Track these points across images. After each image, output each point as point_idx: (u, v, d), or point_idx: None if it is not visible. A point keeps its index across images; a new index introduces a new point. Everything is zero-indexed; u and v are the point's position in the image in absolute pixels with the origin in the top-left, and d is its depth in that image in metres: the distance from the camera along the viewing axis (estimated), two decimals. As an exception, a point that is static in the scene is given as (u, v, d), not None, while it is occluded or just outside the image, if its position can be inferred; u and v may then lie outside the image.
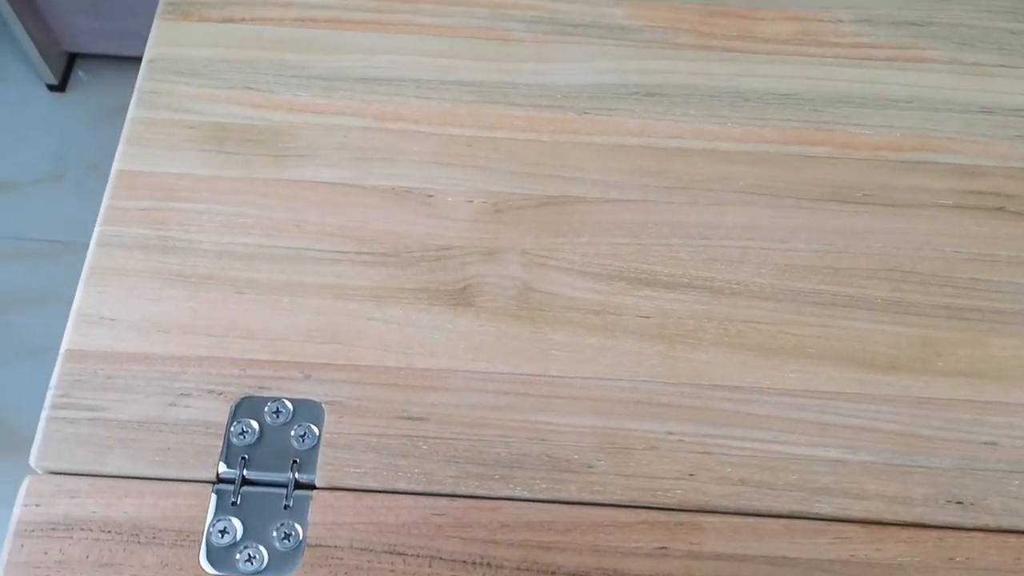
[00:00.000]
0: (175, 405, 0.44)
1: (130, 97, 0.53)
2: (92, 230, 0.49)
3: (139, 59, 0.55)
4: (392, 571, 0.41)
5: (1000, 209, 0.51)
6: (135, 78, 0.54)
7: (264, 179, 0.51)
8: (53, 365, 0.45)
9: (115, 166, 0.50)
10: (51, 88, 1.34)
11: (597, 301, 0.48)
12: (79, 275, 0.47)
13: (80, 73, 1.36)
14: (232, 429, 0.44)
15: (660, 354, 0.46)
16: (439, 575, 0.41)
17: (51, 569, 0.41)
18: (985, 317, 0.48)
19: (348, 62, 0.55)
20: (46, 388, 0.44)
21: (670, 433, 0.44)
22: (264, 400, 0.45)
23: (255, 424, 0.44)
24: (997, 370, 0.46)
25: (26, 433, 0.51)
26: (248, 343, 0.46)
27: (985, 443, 0.45)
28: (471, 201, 0.50)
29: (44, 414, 0.44)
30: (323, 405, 0.45)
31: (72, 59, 1.35)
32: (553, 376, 0.46)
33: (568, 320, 0.47)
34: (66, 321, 0.46)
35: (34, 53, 1.28)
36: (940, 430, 0.45)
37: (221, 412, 0.44)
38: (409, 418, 0.45)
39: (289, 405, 0.45)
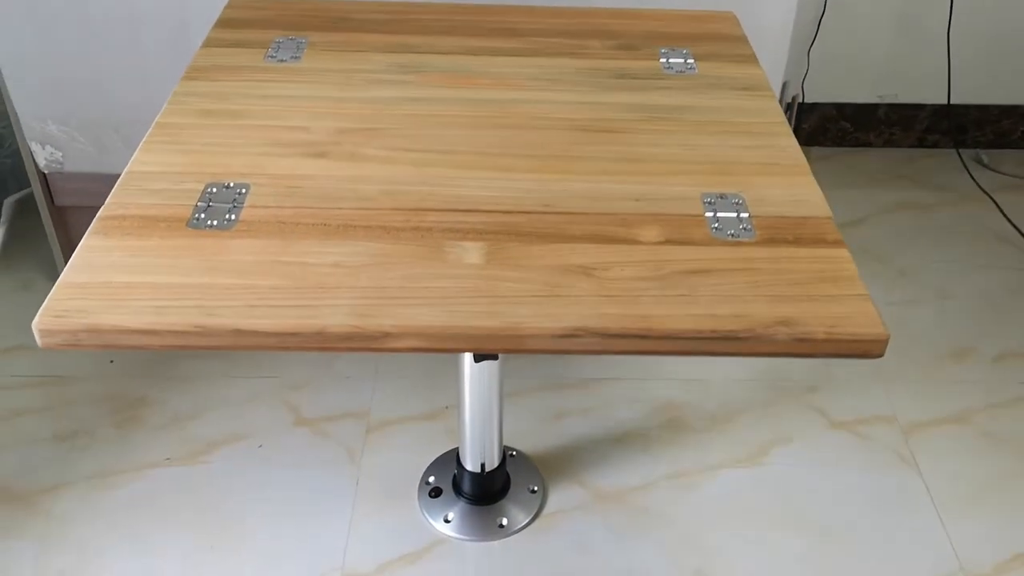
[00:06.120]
0: (181, 185, 0.93)
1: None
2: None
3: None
4: (286, 219, 0.88)
5: (585, 131, 1.05)
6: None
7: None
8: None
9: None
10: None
11: (384, 155, 0.99)
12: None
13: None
14: (204, 189, 0.92)
15: (410, 171, 0.97)
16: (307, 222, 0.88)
17: (116, 219, 0.87)
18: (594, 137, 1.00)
19: (284, 90, 1.10)
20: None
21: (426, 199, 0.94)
22: (223, 183, 0.94)
23: (214, 189, 0.92)
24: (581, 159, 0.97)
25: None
26: (228, 173, 0.96)
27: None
28: (341, 133, 1.03)
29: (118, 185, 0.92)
30: (250, 183, 0.94)
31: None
32: (365, 175, 0.95)
33: (374, 160, 0.98)
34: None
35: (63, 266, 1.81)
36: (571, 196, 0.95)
37: (199, 186, 0.93)
38: (291, 186, 0.94)
39: (233, 183, 0.93)
